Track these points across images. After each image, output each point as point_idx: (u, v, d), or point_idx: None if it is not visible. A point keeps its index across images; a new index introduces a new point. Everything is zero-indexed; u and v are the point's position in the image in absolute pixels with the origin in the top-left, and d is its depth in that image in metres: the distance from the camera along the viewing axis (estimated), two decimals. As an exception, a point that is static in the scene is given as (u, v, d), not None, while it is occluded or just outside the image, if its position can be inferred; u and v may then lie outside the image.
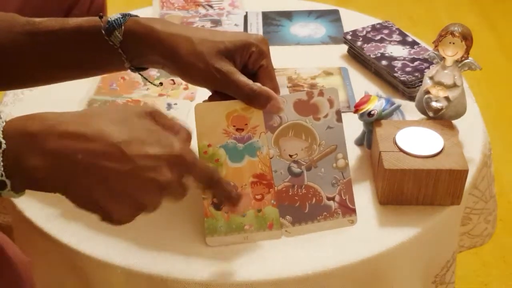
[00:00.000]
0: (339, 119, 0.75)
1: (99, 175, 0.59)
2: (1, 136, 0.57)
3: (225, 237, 0.74)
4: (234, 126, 0.74)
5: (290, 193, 0.75)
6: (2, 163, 0.57)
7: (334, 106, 0.75)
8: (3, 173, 0.57)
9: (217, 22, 1.16)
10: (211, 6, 1.22)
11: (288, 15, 1.19)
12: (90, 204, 0.61)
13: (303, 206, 0.75)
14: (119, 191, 0.60)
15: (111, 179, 0.59)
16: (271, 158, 0.74)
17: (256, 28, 1.15)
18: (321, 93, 0.75)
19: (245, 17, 1.18)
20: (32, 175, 0.59)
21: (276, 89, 0.75)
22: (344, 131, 0.75)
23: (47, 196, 0.81)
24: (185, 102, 0.97)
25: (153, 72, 1.03)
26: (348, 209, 0.75)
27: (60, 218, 0.78)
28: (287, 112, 0.74)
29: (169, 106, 0.96)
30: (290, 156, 0.75)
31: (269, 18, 1.18)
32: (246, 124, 0.74)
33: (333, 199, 0.75)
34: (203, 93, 1.00)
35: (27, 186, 0.61)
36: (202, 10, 1.20)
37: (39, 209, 0.79)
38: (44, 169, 0.58)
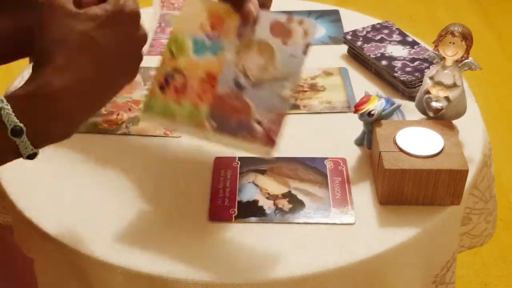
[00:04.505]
0: (305, 52, 0.74)
1: (101, 72, 0.65)
2: (18, 121, 0.61)
3: (157, 117, 0.75)
4: (211, 23, 0.75)
5: (226, 101, 0.74)
6: (29, 143, 0.62)
7: (307, 38, 0.75)
8: (33, 147, 0.63)
9: (217, 22, 1.16)
10: (211, 6, 1.21)
11: (288, 15, 1.19)
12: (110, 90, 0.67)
13: (232, 118, 0.74)
14: (115, 57, 0.65)
15: (104, 56, 0.65)
16: (226, 63, 0.75)
17: (256, 28, 1.15)
18: (301, 22, 0.75)
19: (245, 17, 1.18)
20: (56, 140, 0.66)
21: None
22: (304, 65, 0.74)
23: (47, 196, 0.81)
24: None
25: (151, 73, 1.03)
26: (269, 140, 0.73)
27: (60, 218, 0.78)
28: (261, 28, 0.75)
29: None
30: (244, 68, 0.75)
31: (269, 18, 1.18)
32: (222, 25, 0.75)
33: (261, 123, 0.73)
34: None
35: (53, 142, 0.66)
36: (202, 10, 1.20)
37: (39, 209, 0.79)
38: (65, 125, 0.65)
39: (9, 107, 0.61)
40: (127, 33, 0.66)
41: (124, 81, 0.68)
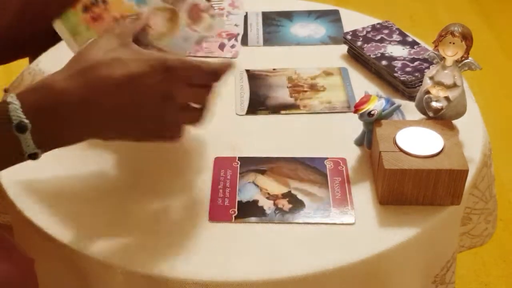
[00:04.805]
0: (198, 43, 0.81)
1: (117, 110, 0.67)
2: (24, 117, 0.62)
3: (65, 30, 0.83)
4: None
5: None
6: (32, 140, 0.63)
7: (208, 32, 0.79)
8: (35, 146, 0.64)
9: (217, 22, 1.16)
10: (211, 6, 1.22)
11: (288, 15, 1.19)
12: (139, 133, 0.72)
13: None
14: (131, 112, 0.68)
15: (120, 109, 0.67)
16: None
17: (256, 28, 1.15)
18: (213, 16, 0.79)
19: (245, 17, 1.18)
20: (61, 143, 0.68)
21: None
22: (188, 53, 0.80)
23: (47, 196, 0.81)
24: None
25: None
26: None
27: (60, 218, 0.78)
28: (184, 2, 0.79)
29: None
30: (147, 26, 0.78)
31: (269, 18, 1.18)
32: None
33: None
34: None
35: (55, 147, 0.69)
36: (202, 10, 1.20)
37: (39, 209, 0.79)
38: (71, 136, 0.68)
39: (17, 102, 0.63)
40: (155, 94, 0.68)
41: (142, 134, 0.72)
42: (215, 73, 0.72)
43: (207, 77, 0.72)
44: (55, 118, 0.65)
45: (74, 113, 0.65)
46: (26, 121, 0.62)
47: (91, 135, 0.70)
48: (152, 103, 0.68)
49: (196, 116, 0.74)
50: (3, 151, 0.64)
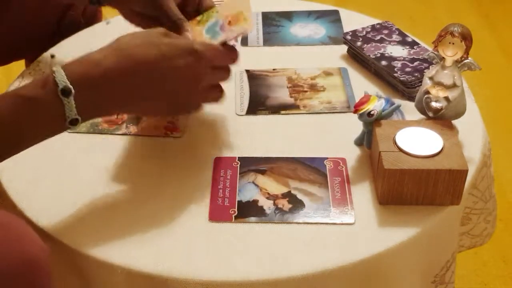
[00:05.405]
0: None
1: (154, 87, 0.77)
2: (68, 82, 0.70)
3: None
4: (231, 19, 0.87)
5: None
6: (75, 105, 0.71)
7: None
8: (77, 112, 0.71)
9: (217, 23, 1.16)
10: (211, 7, 1.21)
11: (288, 16, 1.19)
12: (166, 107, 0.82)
13: None
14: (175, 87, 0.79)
15: (158, 82, 0.77)
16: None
17: (256, 29, 1.15)
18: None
19: (245, 18, 1.18)
20: (99, 113, 0.78)
21: None
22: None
23: (47, 196, 0.81)
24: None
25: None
26: None
27: (60, 218, 0.78)
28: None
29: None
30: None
31: (269, 19, 1.18)
32: (233, 24, 0.87)
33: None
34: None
35: (94, 117, 0.78)
36: (202, 11, 1.20)
37: (39, 209, 0.79)
38: (109, 107, 0.77)
39: (62, 71, 0.71)
40: (189, 83, 0.80)
41: (169, 108, 0.82)
42: (233, 54, 0.85)
43: (226, 58, 0.84)
44: (96, 89, 0.73)
45: (113, 86, 0.74)
46: (70, 86, 0.70)
47: (125, 108, 0.80)
48: (181, 82, 0.79)
49: (217, 94, 0.86)
50: (47, 116, 0.71)
